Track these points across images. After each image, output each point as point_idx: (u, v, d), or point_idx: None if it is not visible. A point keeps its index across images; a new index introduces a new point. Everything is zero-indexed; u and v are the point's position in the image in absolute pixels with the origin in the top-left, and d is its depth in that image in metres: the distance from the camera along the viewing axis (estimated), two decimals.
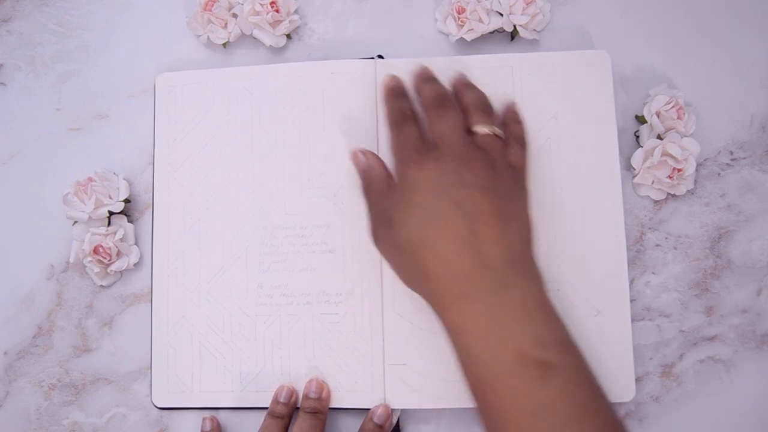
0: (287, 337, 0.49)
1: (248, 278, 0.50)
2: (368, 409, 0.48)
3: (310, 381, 0.48)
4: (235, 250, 0.50)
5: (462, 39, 0.53)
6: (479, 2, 0.52)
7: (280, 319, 0.49)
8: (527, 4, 0.52)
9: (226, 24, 0.54)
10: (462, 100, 0.47)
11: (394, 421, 0.48)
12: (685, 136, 0.50)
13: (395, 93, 0.48)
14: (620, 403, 0.48)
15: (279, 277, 0.50)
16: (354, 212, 0.50)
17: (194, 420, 0.50)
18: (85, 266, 0.51)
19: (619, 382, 0.47)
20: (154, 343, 0.50)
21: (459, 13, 0.52)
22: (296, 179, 0.51)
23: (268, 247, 0.50)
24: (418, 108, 0.47)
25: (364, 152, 0.47)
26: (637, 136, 0.52)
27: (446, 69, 0.50)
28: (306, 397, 0.48)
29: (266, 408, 0.48)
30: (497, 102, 0.49)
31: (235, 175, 0.51)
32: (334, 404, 0.48)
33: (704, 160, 0.52)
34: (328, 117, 0.51)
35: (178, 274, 0.50)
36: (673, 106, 0.50)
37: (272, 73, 0.52)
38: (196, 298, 0.50)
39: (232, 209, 0.51)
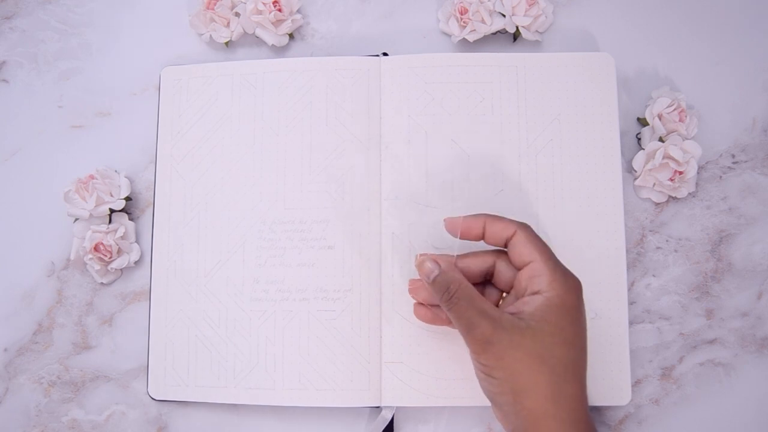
0: (282, 334, 0.49)
1: (244, 272, 0.50)
2: (366, 408, 0.47)
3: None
4: (232, 243, 0.50)
5: (464, 40, 0.53)
6: (482, 3, 0.52)
7: (275, 315, 0.49)
8: (530, 6, 0.52)
9: (228, 23, 0.54)
10: None
11: (388, 417, 0.48)
12: (687, 139, 0.50)
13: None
14: (617, 407, 0.48)
15: (275, 271, 0.50)
16: (355, 208, 0.50)
17: (193, 418, 0.50)
18: (85, 264, 0.51)
19: (615, 386, 0.47)
20: (152, 336, 0.50)
21: (461, 14, 0.52)
22: (297, 173, 0.51)
23: (266, 241, 0.50)
24: None
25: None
26: (639, 139, 0.52)
27: (451, 66, 0.50)
28: None
29: (259, 406, 0.48)
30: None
31: (236, 168, 0.51)
32: (329, 404, 0.48)
33: (706, 163, 0.52)
34: (331, 112, 0.51)
35: (177, 267, 0.50)
36: (675, 109, 0.50)
37: (277, 67, 0.52)
38: (193, 291, 0.50)
39: (231, 202, 0.51)
